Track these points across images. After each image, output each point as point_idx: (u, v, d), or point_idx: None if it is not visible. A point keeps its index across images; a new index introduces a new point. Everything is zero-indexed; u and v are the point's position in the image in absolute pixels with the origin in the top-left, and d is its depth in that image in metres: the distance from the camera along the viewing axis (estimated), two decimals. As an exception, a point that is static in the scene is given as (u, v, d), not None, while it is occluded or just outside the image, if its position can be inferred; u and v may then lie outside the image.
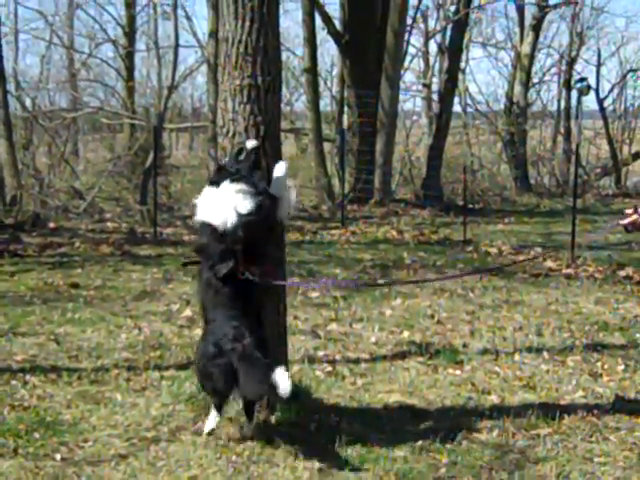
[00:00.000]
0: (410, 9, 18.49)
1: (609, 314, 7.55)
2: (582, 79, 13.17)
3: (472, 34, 23.21)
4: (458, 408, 4.98)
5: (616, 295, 8.39)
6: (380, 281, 9.00)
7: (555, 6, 21.75)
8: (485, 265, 10.14)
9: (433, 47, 23.76)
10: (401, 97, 18.92)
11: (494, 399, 5.16)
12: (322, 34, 19.24)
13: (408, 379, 5.54)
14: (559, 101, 24.50)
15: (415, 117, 24.98)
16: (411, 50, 22.36)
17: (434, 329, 6.95)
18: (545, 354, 6.15)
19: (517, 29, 22.66)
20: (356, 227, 13.74)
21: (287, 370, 4.09)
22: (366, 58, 16.73)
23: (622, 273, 9.41)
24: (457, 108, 21.28)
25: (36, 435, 4.42)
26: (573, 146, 18.86)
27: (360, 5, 16.82)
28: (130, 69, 18.84)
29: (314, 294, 8.17)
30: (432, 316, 7.38)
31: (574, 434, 4.56)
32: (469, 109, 23.88)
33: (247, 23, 4.61)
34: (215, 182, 4.46)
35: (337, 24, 17.59)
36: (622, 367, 5.85)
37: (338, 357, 6.06)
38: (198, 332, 5.77)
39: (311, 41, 17.05)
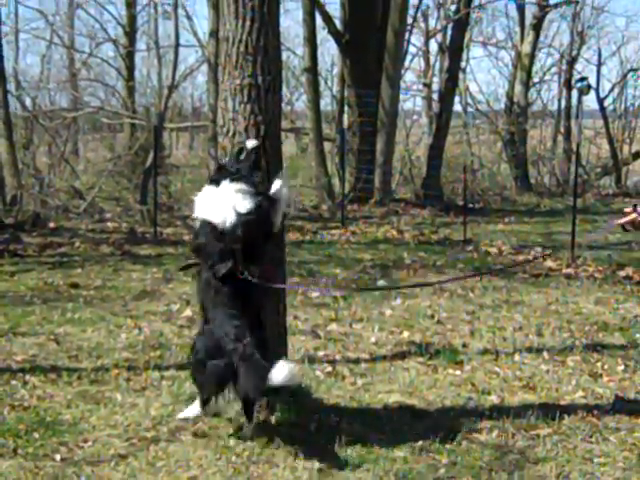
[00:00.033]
0: (410, 8, 18.52)
1: (609, 314, 7.55)
2: (582, 78, 13.12)
3: (472, 33, 23.24)
4: (458, 408, 4.98)
5: (616, 295, 8.39)
6: (380, 281, 8.99)
7: (556, 5, 21.75)
8: (485, 265, 10.13)
9: (434, 46, 23.80)
10: (401, 97, 18.92)
11: (494, 399, 5.17)
12: (322, 33, 19.28)
13: (408, 379, 5.54)
14: (559, 100, 24.52)
15: (415, 117, 24.99)
16: (412, 49, 22.40)
17: (434, 329, 6.95)
18: (545, 354, 6.15)
19: (518, 28, 22.66)
20: (356, 227, 13.73)
21: (291, 364, 4.09)
22: (366, 57, 16.73)
23: (622, 273, 9.40)
24: (457, 107, 21.31)
25: (36, 435, 4.42)
26: (573, 146, 18.84)
27: (360, 4, 16.81)
28: (130, 69, 18.84)
29: (314, 294, 8.16)
30: (432, 316, 7.37)
31: (574, 434, 4.56)
32: (469, 108, 23.88)
33: (247, 22, 4.62)
34: (215, 181, 4.47)
35: (337, 23, 17.59)
36: (622, 367, 5.85)
37: (338, 357, 6.06)
38: (198, 332, 5.77)
39: (311, 40, 17.04)
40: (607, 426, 4.67)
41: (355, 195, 15.98)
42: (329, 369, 5.72)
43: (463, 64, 21.78)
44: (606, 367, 5.85)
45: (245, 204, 4.29)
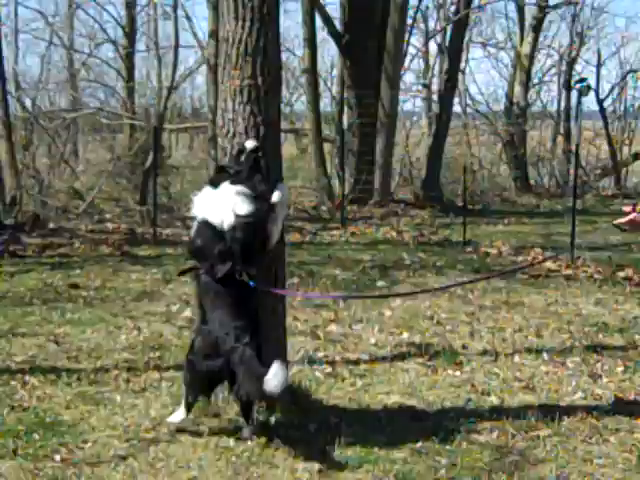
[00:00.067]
0: (410, 9, 18.50)
1: (609, 315, 7.55)
2: (582, 79, 13.11)
3: (472, 34, 23.23)
4: (458, 409, 4.98)
5: (616, 296, 8.39)
6: (380, 282, 8.99)
7: (555, 6, 21.76)
8: (485, 266, 10.13)
9: (433, 47, 23.79)
10: (401, 97, 18.91)
11: (494, 400, 5.17)
12: (322, 34, 19.27)
13: (408, 380, 5.54)
14: (559, 101, 24.52)
15: (415, 118, 24.98)
16: (411, 50, 22.38)
17: (433, 330, 6.95)
18: (545, 355, 6.15)
19: (517, 29, 22.65)
20: (356, 228, 13.74)
21: (285, 368, 4.07)
22: (366, 58, 16.71)
23: (622, 274, 9.41)
24: (457, 108, 21.30)
25: (35, 436, 4.42)
26: (573, 147, 18.84)
27: (360, 5, 16.80)
28: (130, 69, 18.84)
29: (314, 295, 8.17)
30: (431, 317, 7.37)
31: (574, 435, 4.56)
32: (469, 109, 23.89)
33: (247, 23, 4.61)
34: (214, 182, 4.47)
35: (337, 24, 17.58)
36: (622, 368, 5.84)
37: (338, 358, 6.06)
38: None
39: (311, 41, 17.04)
40: (607, 427, 4.66)
41: (355, 196, 15.98)
42: (329, 370, 5.72)
43: (463, 65, 21.78)
44: (606, 368, 5.85)
45: (244, 207, 4.29)
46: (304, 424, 4.57)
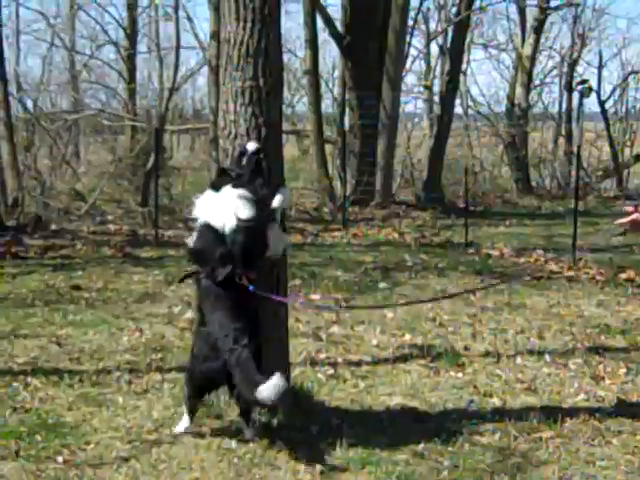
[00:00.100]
0: (411, 10, 18.52)
1: (611, 317, 7.55)
2: (583, 81, 13.12)
3: (473, 36, 23.25)
4: (460, 411, 4.98)
5: (618, 298, 8.38)
6: (382, 284, 8.98)
7: (556, 8, 21.77)
8: (487, 268, 10.12)
9: (434, 49, 23.80)
10: (402, 99, 18.93)
11: (496, 402, 5.16)
12: (324, 36, 19.28)
13: (410, 382, 5.54)
14: (560, 103, 24.55)
15: (416, 119, 24.99)
16: (412, 52, 22.38)
17: (436, 332, 6.94)
18: (547, 357, 6.14)
19: (518, 31, 22.67)
20: (357, 229, 13.74)
21: (284, 380, 4.05)
22: (367, 60, 16.73)
23: (624, 276, 9.40)
24: (458, 110, 21.33)
25: (38, 437, 4.42)
26: (574, 148, 18.84)
27: (361, 7, 16.82)
28: (131, 71, 18.83)
29: (315, 296, 8.16)
30: (434, 319, 7.37)
31: (576, 437, 4.55)
32: (470, 111, 23.91)
33: (249, 24, 4.61)
34: (216, 186, 4.46)
35: (338, 26, 17.60)
36: (624, 370, 5.83)
37: (340, 360, 6.06)
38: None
39: (312, 43, 17.04)
40: (609, 429, 4.66)
41: (356, 197, 15.99)
42: (331, 372, 5.72)
43: (464, 66, 21.79)
44: (608, 370, 5.84)
45: (246, 211, 4.28)
46: (306, 426, 4.56)
